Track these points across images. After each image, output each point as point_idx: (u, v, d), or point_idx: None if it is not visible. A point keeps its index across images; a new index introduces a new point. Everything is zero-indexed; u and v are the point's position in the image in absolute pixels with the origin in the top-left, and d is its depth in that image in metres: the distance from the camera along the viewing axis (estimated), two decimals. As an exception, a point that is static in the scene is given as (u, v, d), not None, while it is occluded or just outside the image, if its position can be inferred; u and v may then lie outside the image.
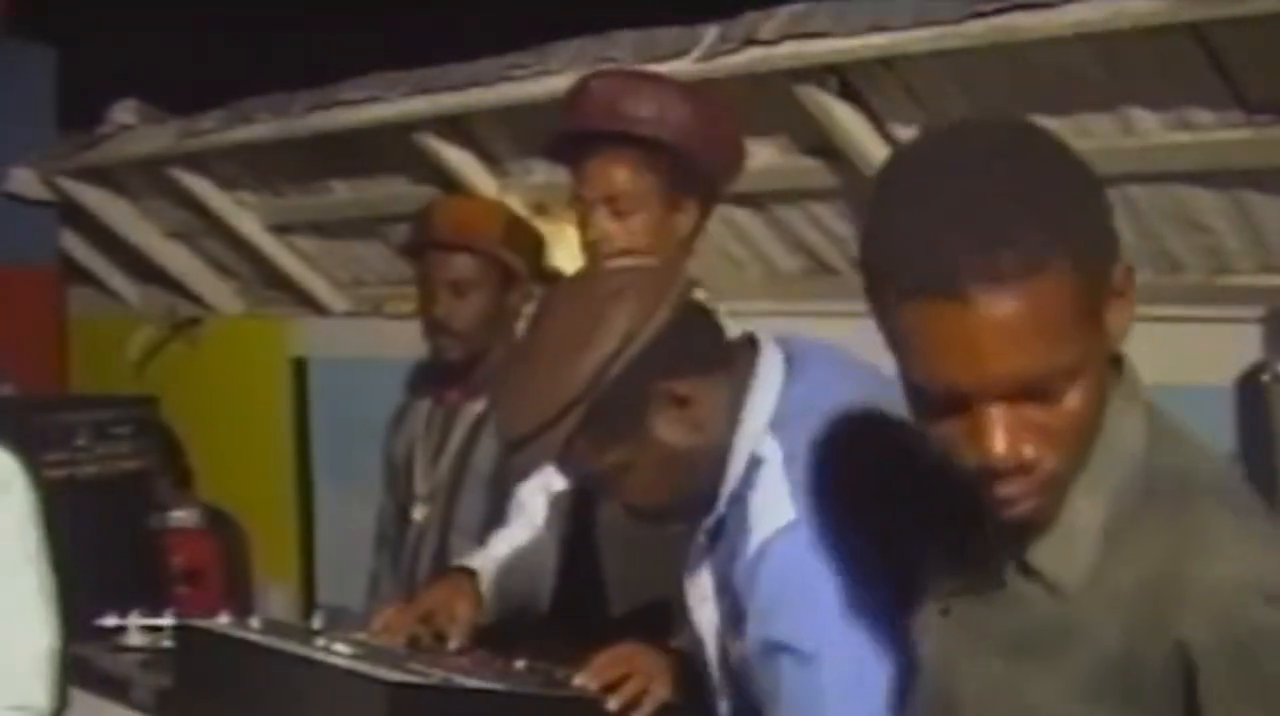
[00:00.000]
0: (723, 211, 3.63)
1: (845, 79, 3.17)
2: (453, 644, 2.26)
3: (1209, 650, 1.21)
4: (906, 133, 3.19)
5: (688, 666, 2.00)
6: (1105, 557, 1.29)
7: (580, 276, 2.01)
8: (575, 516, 2.44)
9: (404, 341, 3.36)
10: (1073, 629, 1.29)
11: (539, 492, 2.55)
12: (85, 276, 5.80)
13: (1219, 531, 1.24)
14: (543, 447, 1.78)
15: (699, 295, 2.43)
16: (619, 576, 2.42)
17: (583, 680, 2.02)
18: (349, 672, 1.91)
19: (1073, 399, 1.24)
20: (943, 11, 2.86)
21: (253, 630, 2.19)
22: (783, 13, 3.15)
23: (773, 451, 1.77)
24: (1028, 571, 1.33)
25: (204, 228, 5.14)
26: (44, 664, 2.28)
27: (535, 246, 3.11)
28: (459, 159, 4.07)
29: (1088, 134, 2.92)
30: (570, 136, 2.48)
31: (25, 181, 5.35)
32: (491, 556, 2.53)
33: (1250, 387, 2.85)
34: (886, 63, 3.08)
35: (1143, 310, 1.32)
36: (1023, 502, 1.27)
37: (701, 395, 1.78)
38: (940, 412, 1.25)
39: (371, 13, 6.10)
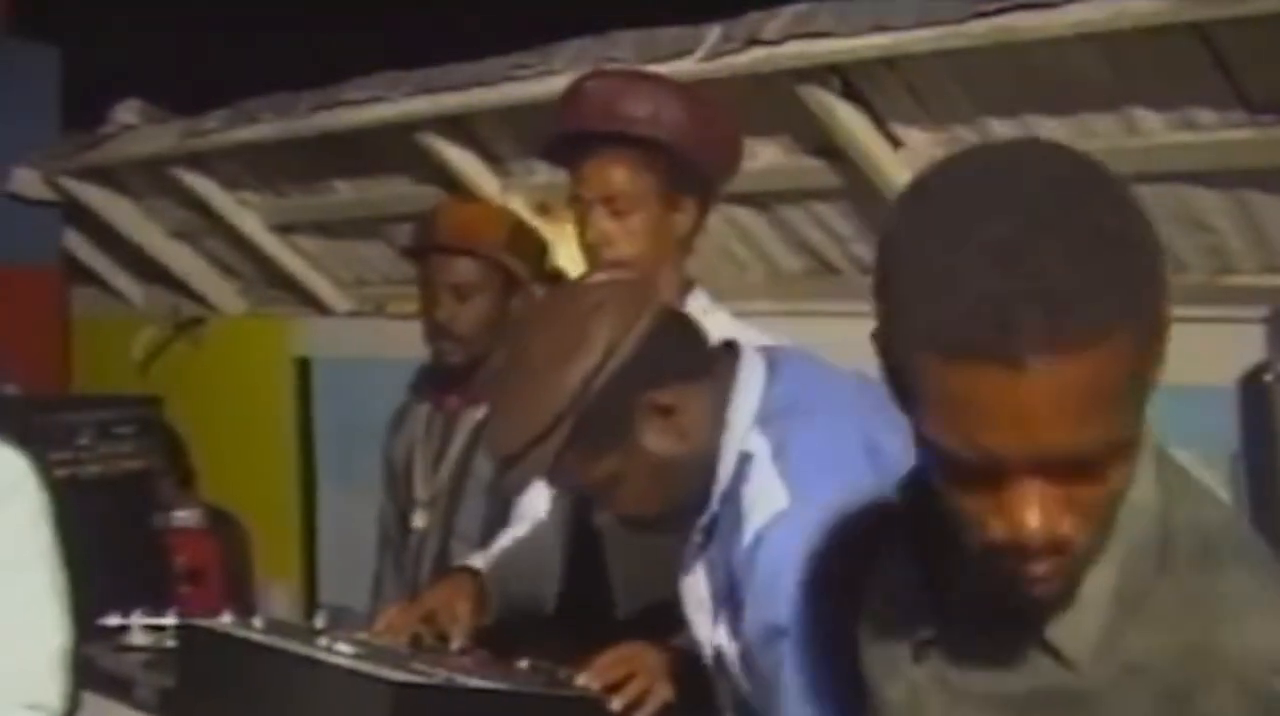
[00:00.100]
0: (725, 211, 3.64)
1: (848, 79, 3.16)
2: (455, 644, 2.26)
3: None
4: (909, 132, 3.20)
5: (690, 666, 2.00)
6: (1118, 624, 1.19)
7: (560, 292, 2.04)
8: (578, 516, 2.44)
9: (406, 341, 3.36)
10: (1086, 697, 1.20)
11: (541, 490, 2.55)
12: (88, 276, 5.81)
13: (1250, 600, 1.16)
14: (533, 464, 1.80)
15: (698, 295, 2.45)
16: (622, 576, 2.42)
17: (585, 680, 2.03)
18: (352, 672, 1.91)
19: (1117, 474, 1.13)
20: (945, 11, 2.86)
21: (256, 629, 2.19)
22: (785, 13, 3.15)
23: (760, 446, 1.80)
24: (1033, 637, 1.22)
25: (207, 227, 5.14)
26: (57, 663, 2.28)
27: (538, 251, 3.11)
28: (461, 159, 4.07)
29: (1091, 134, 2.92)
30: (567, 137, 2.48)
31: (28, 181, 5.36)
32: (493, 553, 2.54)
33: (1253, 388, 2.85)
34: (889, 63, 3.08)
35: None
36: (1050, 581, 1.16)
37: (685, 403, 1.81)
38: (967, 480, 1.13)
39: (374, 13, 6.10)
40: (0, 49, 5.33)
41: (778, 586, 1.70)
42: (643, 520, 1.88)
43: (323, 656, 1.99)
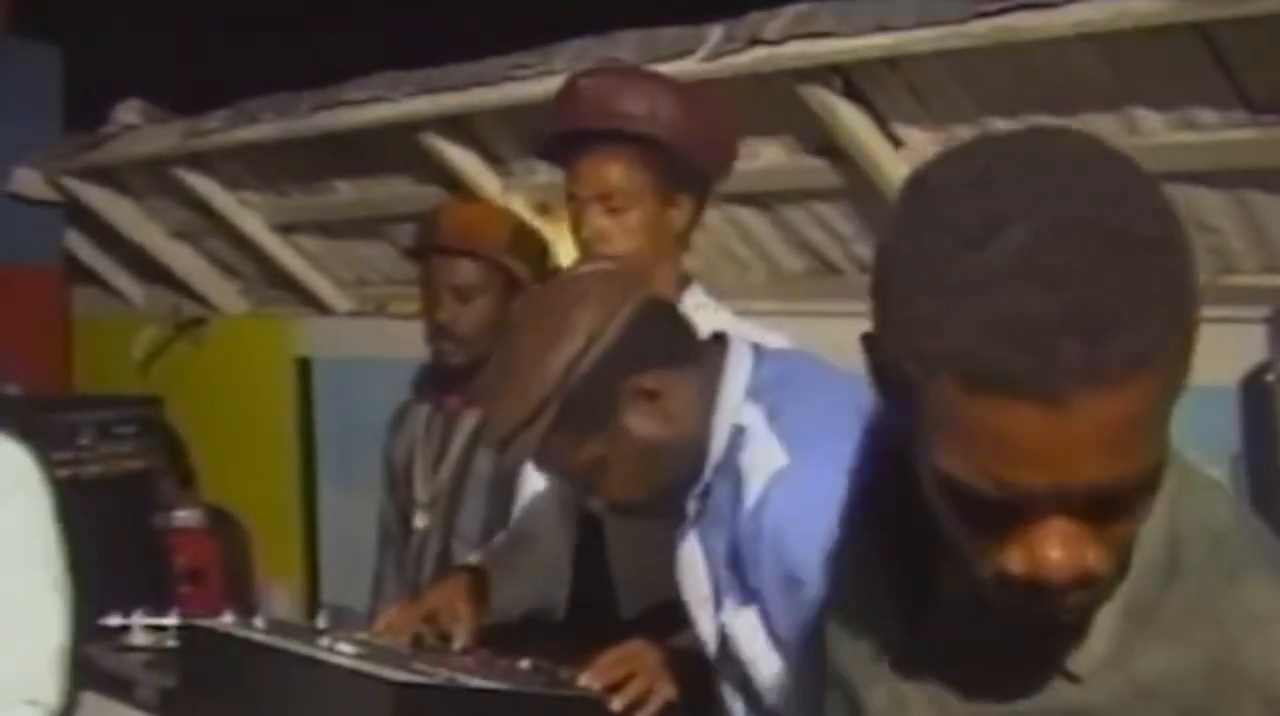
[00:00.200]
0: (727, 211, 3.64)
1: (849, 79, 3.16)
2: (457, 643, 2.26)
3: None
4: (910, 132, 3.20)
5: (692, 666, 2.00)
6: (1128, 636, 1.10)
7: (547, 283, 2.12)
8: (581, 517, 2.44)
9: (407, 341, 3.36)
10: (1096, 714, 1.11)
11: (538, 484, 2.55)
12: (89, 276, 5.81)
13: (1273, 613, 1.08)
14: (524, 447, 1.86)
15: (695, 291, 2.45)
16: (623, 573, 2.42)
17: (587, 680, 2.03)
18: (354, 672, 1.91)
19: (1147, 503, 1.03)
20: (947, 11, 2.86)
21: (257, 629, 2.20)
22: (787, 12, 3.15)
23: (754, 415, 1.84)
24: (1035, 651, 1.13)
25: (208, 227, 5.14)
26: (56, 660, 2.28)
27: (539, 252, 3.10)
28: (462, 159, 4.07)
29: (1092, 134, 2.92)
30: (563, 136, 2.48)
31: (29, 181, 5.36)
32: (493, 549, 2.54)
33: (1254, 388, 2.85)
34: (891, 62, 3.08)
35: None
36: (1071, 614, 1.07)
37: (670, 387, 1.84)
38: (984, 513, 1.01)
39: (375, 13, 6.10)
40: (1, 49, 5.33)
41: (788, 540, 1.71)
42: (629, 506, 1.92)
43: (324, 656, 1.99)
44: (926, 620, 1.20)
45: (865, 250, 3.53)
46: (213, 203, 4.93)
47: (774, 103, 3.31)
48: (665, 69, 3.06)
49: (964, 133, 3.11)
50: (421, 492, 3.07)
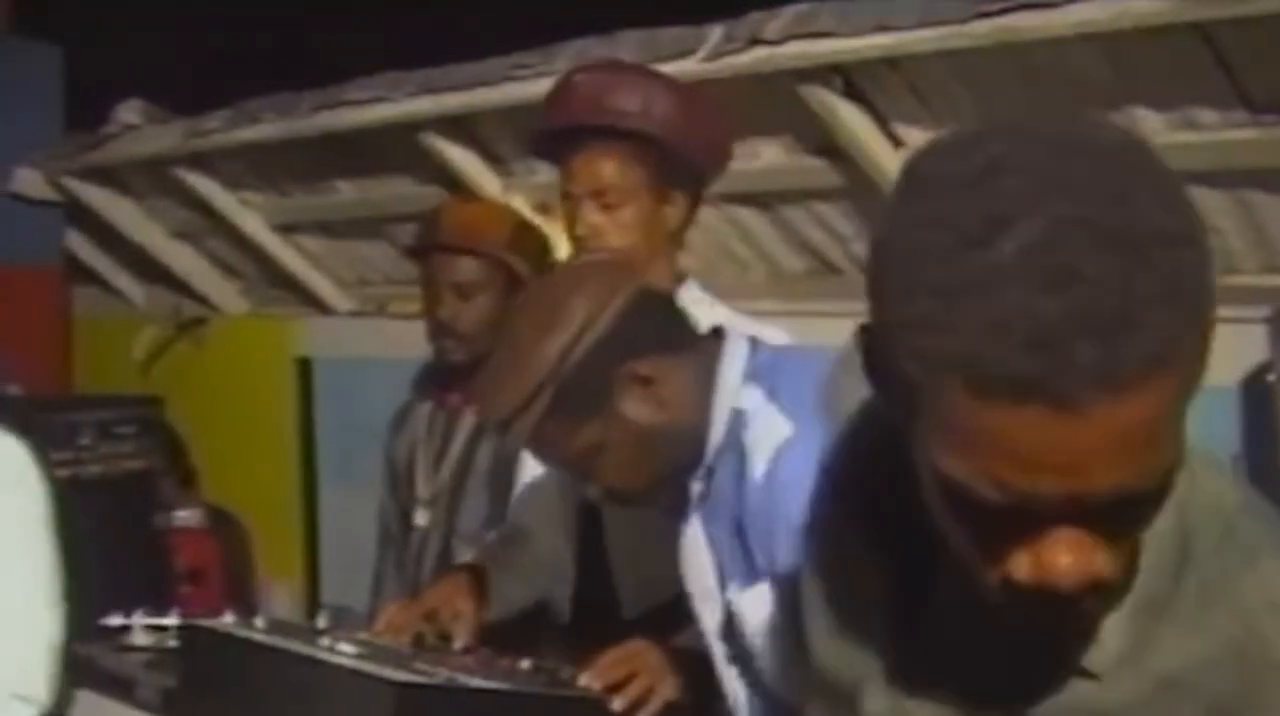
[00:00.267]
0: (727, 211, 3.64)
1: (850, 79, 3.17)
2: (458, 642, 2.26)
3: None
4: (911, 132, 3.20)
5: (693, 665, 2.00)
6: (1143, 626, 1.06)
7: (544, 273, 2.18)
8: (581, 516, 2.44)
9: (408, 341, 3.36)
10: (1117, 712, 1.07)
11: (535, 478, 2.56)
12: (90, 276, 5.81)
13: None
14: (520, 432, 1.88)
15: (690, 287, 2.45)
16: (625, 576, 2.42)
17: (587, 680, 2.03)
18: (355, 672, 1.91)
19: (1159, 505, 0.98)
20: (947, 11, 2.86)
21: (258, 629, 2.19)
22: (787, 12, 3.15)
23: (753, 395, 1.86)
24: (1046, 649, 1.09)
25: (209, 227, 5.14)
26: (47, 656, 2.27)
27: (540, 250, 3.11)
28: (463, 159, 4.07)
29: (1092, 134, 2.92)
30: (556, 132, 2.48)
31: (30, 181, 5.36)
32: (490, 545, 2.55)
33: (1255, 388, 2.85)
34: (891, 63, 3.08)
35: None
36: (1081, 620, 1.04)
37: (665, 374, 1.86)
38: (989, 519, 0.96)
39: (376, 13, 6.10)
40: (2, 49, 5.33)
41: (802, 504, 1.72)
42: (627, 493, 1.93)
43: (325, 656, 1.99)
44: (925, 623, 1.15)
45: (865, 250, 3.52)
46: (213, 203, 4.93)
47: (774, 103, 3.31)
48: (666, 69, 3.05)
49: (965, 133, 3.11)
50: (423, 490, 3.07)
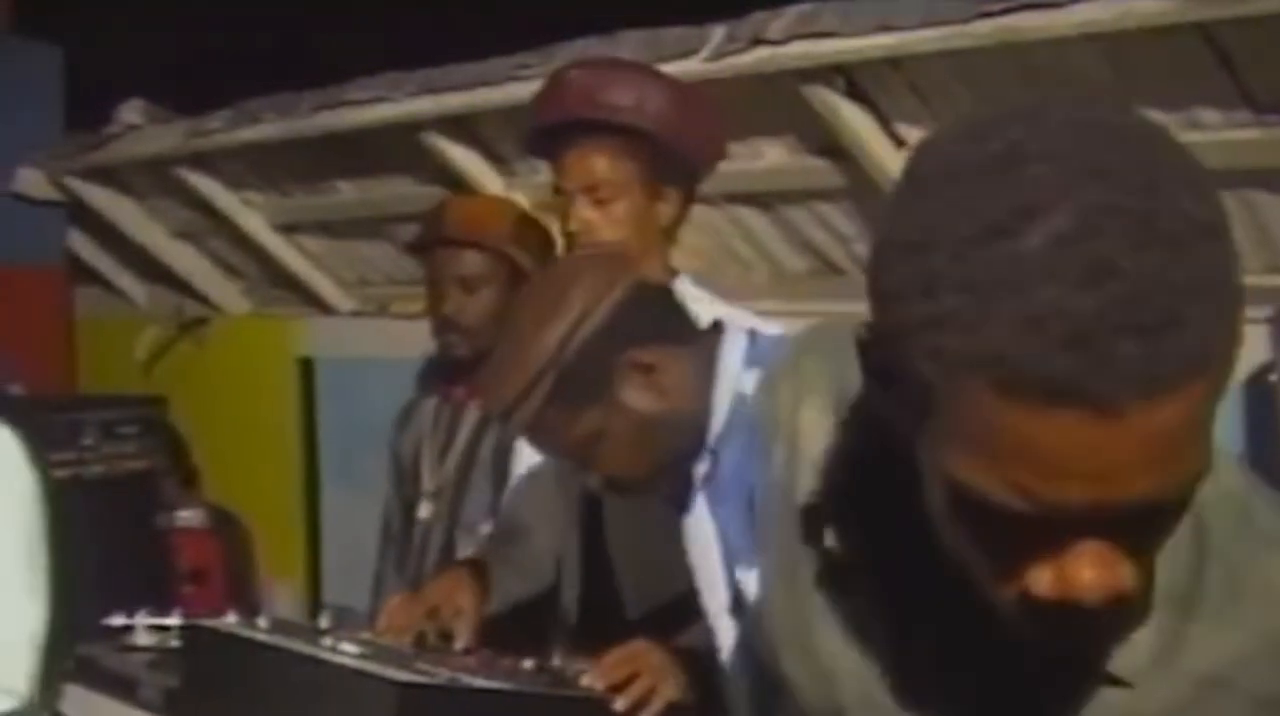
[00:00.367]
0: (730, 211, 3.64)
1: (852, 79, 3.16)
2: (460, 640, 2.26)
3: None
4: (914, 133, 3.20)
5: (696, 665, 2.00)
6: (1172, 624, 1.01)
7: (545, 266, 2.21)
8: (583, 517, 2.44)
9: (410, 341, 3.36)
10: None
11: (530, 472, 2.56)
12: (92, 276, 5.81)
13: None
14: (521, 420, 1.91)
15: (683, 281, 2.45)
16: (628, 576, 2.42)
17: (590, 680, 2.03)
18: (357, 672, 1.91)
19: (1180, 518, 0.93)
20: (950, 11, 2.86)
21: (260, 629, 2.19)
22: (790, 12, 3.15)
23: (755, 380, 1.86)
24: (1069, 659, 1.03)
25: (210, 227, 5.15)
26: (29, 648, 2.23)
27: (542, 244, 3.11)
28: (465, 159, 4.07)
29: (1095, 134, 2.92)
30: (549, 128, 2.49)
31: (32, 181, 5.36)
32: (487, 541, 2.55)
33: (1257, 388, 2.85)
34: (894, 63, 3.08)
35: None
36: (1103, 635, 0.99)
37: (666, 363, 1.88)
38: (1009, 530, 0.90)
39: (377, 13, 6.10)
40: (4, 49, 5.33)
41: None
42: (628, 482, 1.94)
43: (327, 656, 1.99)
44: (929, 636, 1.09)
45: (868, 250, 3.52)
46: (215, 203, 4.93)
47: (777, 103, 3.31)
48: (668, 69, 3.05)
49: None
50: (428, 483, 3.08)
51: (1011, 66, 2.91)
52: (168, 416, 4.83)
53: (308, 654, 2.00)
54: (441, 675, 1.96)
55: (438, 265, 3.04)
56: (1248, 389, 2.88)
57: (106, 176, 5.25)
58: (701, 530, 1.93)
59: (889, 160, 3.20)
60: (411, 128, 4.06)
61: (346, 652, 2.02)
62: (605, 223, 2.40)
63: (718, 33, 3.30)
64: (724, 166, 2.62)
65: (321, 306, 5.10)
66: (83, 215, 5.44)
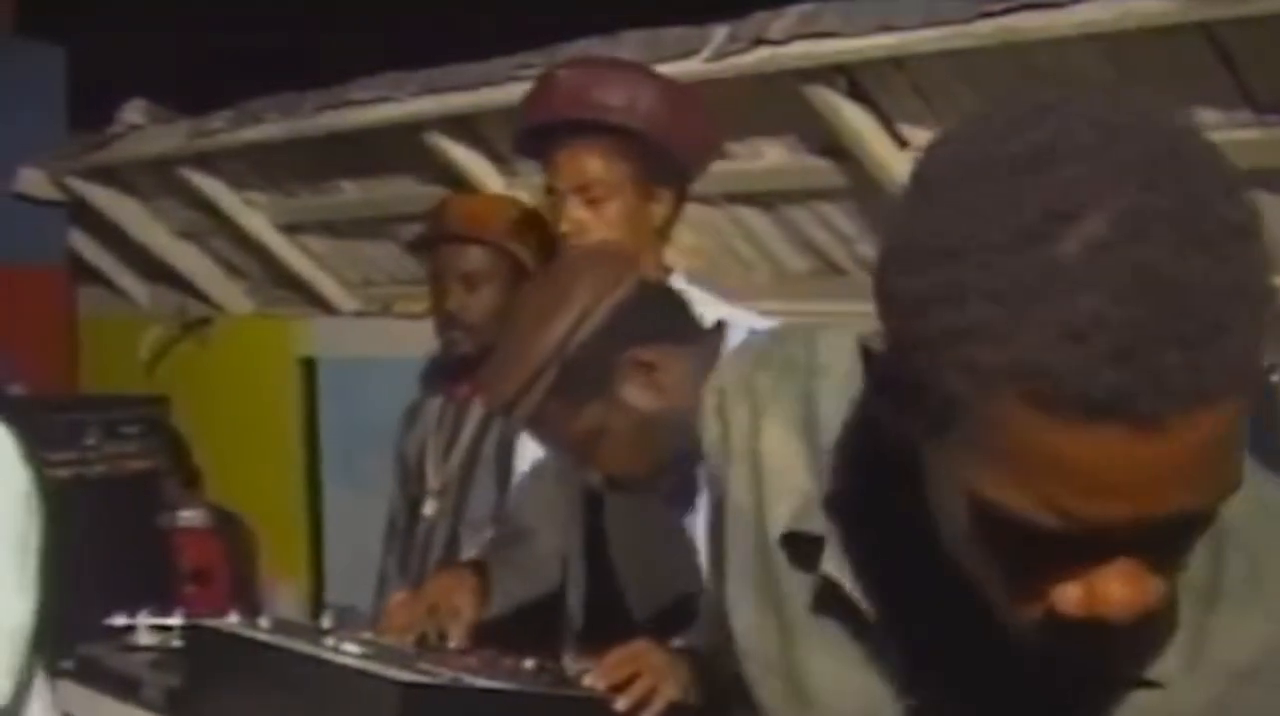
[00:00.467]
0: (731, 211, 3.64)
1: (854, 79, 3.17)
2: (453, 641, 2.26)
3: None
4: (915, 132, 3.20)
5: (698, 665, 2.00)
6: (1199, 625, 0.97)
7: (549, 262, 2.22)
8: (585, 517, 2.45)
9: (413, 341, 3.37)
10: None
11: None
12: (95, 276, 5.81)
13: None
14: (522, 413, 1.93)
15: (677, 279, 2.46)
16: (630, 576, 2.42)
17: (591, 680, 2.03)
18: (360, 672, 1.91)
19: (1205, 530, 0.89)
20: (951, 11, 2.86)
21: (262, 629, 2.19)
22: (791, 12, 3.15)
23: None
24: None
25: (213, 227, 5.15)
26: (9, 641, 2.20)
27: (544, 240, 3.11)
28: (467, 158, 4.07)
29: (1096, 134, 2.92)
30: (540, 128, 2.49)
31: (35, 181, 5.37)
32: (489, 543, 2.55)
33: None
34: (895, 62, 3.08)
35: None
36: (1129, 651, 0.96)
37: (667, 363, 1.88)
38: (1036, 549, 0.86)
39: (380, 13, 6.10)
40: (7, 49, 5.34)
41: None
42: (627, 479, 1.95)
43: (329, 656, 1.99)
44: (938, 661, 1.04)
45: (869, 250, 3.53)
46: (218, 202, 4.93)
47: (778, 103, 3.31)
48: (670, 69, 3.06)
49: (969, 133, 3.11)
50: (433, 480, 3.08)
51: (1012, 66, 2.91)
52: (170, 416, 4.83)
53: (310, 654, 2.00)
54: (443, 675, 1.96)
55: (440, 262, 3.05)
56: (1249, 389, 2.87)
57: (109, 176, 5.25)
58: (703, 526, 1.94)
59: (891, 160, 3.20)
60: (414, 128, 4.06)
61: (348, 652, 2.02)
62: (597, 223, 2.40)
63: (719, 33, 3.30)
64: (725, 166, 2.63)
65: (324, 306, 5.10)
66: (85, 215, 5.45)
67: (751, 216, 3.69)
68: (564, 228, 2.43)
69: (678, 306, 1.97)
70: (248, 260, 5.25)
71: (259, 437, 5.32)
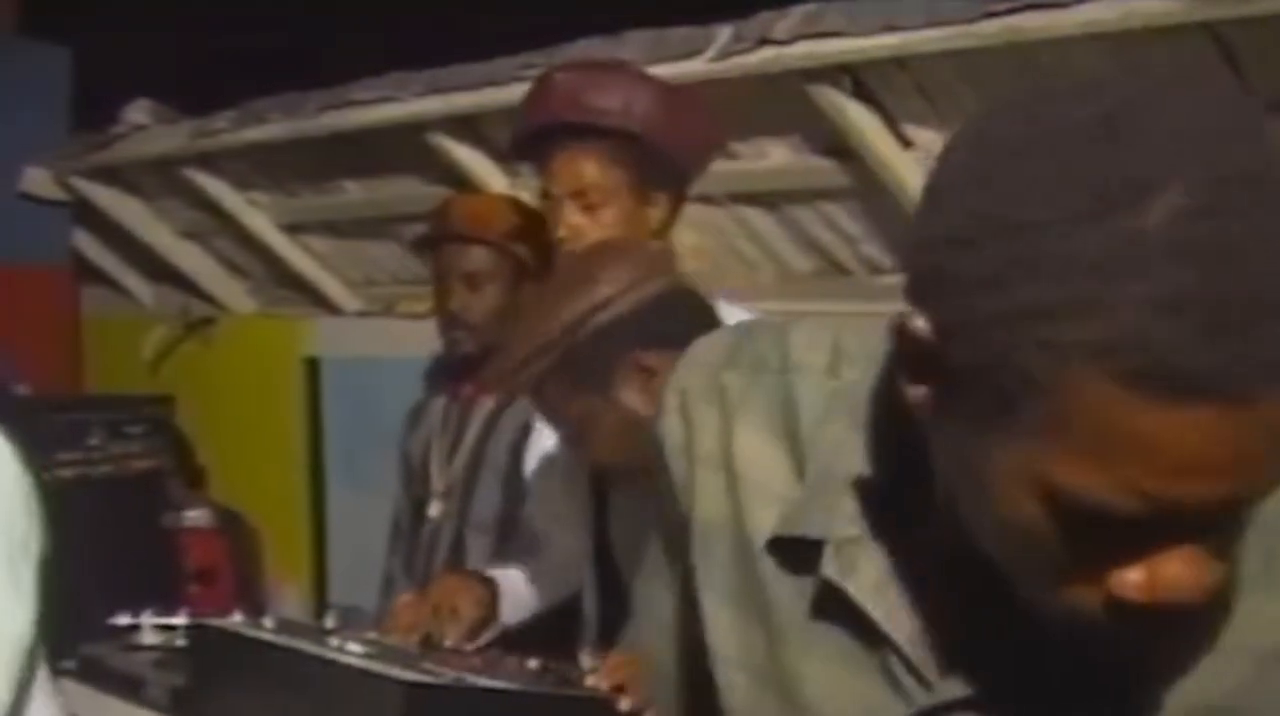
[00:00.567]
0: (735, 211, 3.64)
1: (858, 78, 3.17)
2: (449, 641, 2.25)
3: None
4: (919, 133, 3.20)
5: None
6: (1225, 604, 0.95)
7: (585, 247, 2.22)
8: (593, 523, 2.45)
9: (416, 341, 3.37)
10: (1225, 705, 0.97)
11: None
12: (98, 276, 5.82)
13: None
14: (522, 383, 1.97)
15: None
16: (633, 576, 2.42)
17: (595, 679, 2.03)
18: (363, 672, 1.91)
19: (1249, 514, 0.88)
20: (955, 11, 2.86)
21: (266, 629, 2.19)
22: (795, 12, 3.15)
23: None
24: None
25: (217, 227, 5.15)
26: (8, 638, 2.19)
27: (547, 241, 3.12)
28: (470, 158, 4.07)
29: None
30: (536, 131, 2.48)
31: (39, 181, 5.37)
32: (506, 549, 2.55)
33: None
34: (900, 62, 3.08)
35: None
36: (1186, 637, 0.94)
37: (668, 370, 1.87)
38: (1104, 533, 0.83)
39: (383, 13, 6.10)
40: (11, 49, 5.34)
41: None
42: (612, 472, 1.97)
43: (333, 656, 1.99)
44: (944, 659, 1.02)
45: (874, 250, 3.53)
46: (221, 202, 4.94)
47: (782, 102, 3.31)
48: (674, 69, 3.06)
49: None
50: (437, 482, 3.08)
51: (1016, 66, 2.91)
52: (174, 416, 4.84)
53: (314, 653, 2.00)
54: (447, 675, 1.96)
55: (443, 262, 3.06)
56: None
57: (113, 176, 5.26)
58: None
59: (895, 160, 3.20)
60: (417, 128, 4.06)
61: (352, 652, 2.02)
62: (594, 228, 2.39)
63: (723, 33, 3.30)
64: (729, 166, 2.63)
65: (328, 306, 5.10)
66: (89, 215, 5.45)
67: (755, 216, 3.69)
68: (560, 233, 2.42)
69: (700, 317, 1.95)
70: (251, 260, 5.25)
71: (263, 437, 5.32)
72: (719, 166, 2.90)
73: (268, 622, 2.25)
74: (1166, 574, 0.84)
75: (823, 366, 1.09)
